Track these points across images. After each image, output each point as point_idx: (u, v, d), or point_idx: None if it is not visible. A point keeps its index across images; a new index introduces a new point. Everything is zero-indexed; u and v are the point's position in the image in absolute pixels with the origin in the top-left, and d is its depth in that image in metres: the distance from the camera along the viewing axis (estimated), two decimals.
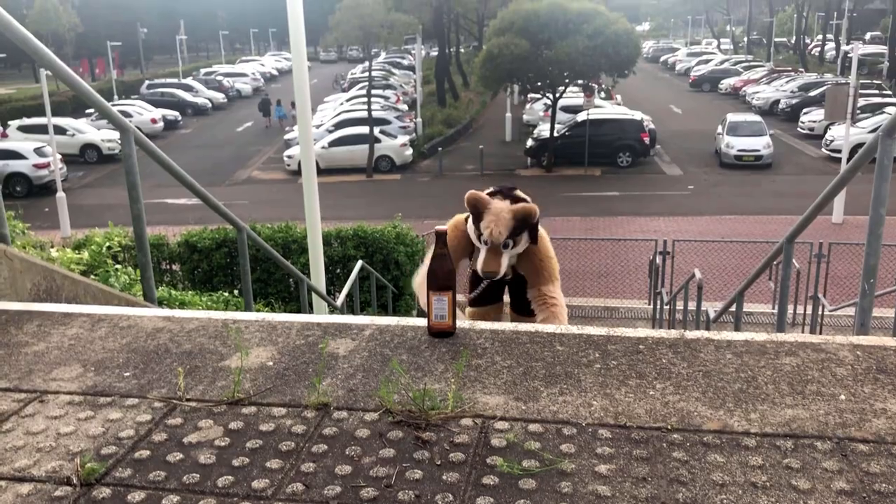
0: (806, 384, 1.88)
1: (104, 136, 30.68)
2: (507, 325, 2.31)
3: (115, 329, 2.38)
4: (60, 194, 21.08)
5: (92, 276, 4.95)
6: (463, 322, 2.30)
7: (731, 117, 27.99)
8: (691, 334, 2.12)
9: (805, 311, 12.26)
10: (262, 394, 1.92)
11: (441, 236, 2.20)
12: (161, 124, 36.54)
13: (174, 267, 12.04)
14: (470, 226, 3.49)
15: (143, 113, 37.07)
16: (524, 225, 3.39)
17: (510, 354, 2.06)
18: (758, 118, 28.37)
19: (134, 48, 60.48)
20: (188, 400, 1.90)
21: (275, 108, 38.57)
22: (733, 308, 6.13)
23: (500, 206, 3.35)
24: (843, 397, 1.82)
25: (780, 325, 4.50)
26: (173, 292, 5.94)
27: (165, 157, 3.70)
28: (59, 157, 23.37)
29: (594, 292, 14.34)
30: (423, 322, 2.26)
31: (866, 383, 1.89)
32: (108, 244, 7.06)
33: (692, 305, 9.00)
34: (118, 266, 5.54)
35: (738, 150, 26.15)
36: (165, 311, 2.56)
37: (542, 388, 1.88)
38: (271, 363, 2.07)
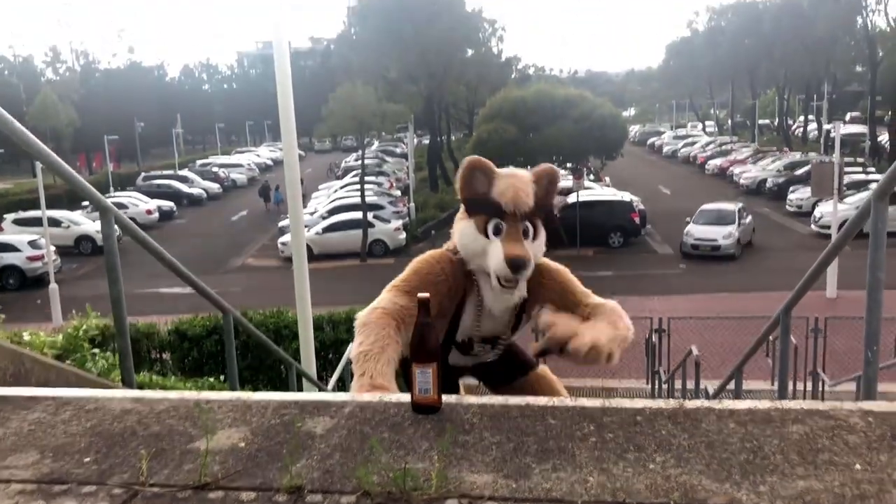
0: (817, 453, 1.75)
1: (99, 228, 30.73)
2: (496, 399, 2.18)
3: (80, 412, 2.24)
4: (53, 286, 21.00)
5: (68, 361, 4.79)
6: (450, 397, 2.17)
7: (705, 206, 26.99)
8: (691, 404, 1.99)
9: (805, 387, 12.05)
10: (231, 477, 1.77)
11: (424, 303, 2.09)
12: (156, 215, 36.75)
13: (164, 356, 11.86)
14: (466, 228, 2.74)
15: (138, 204, 37.34)
16: (547, 199, 2.78)
17: (499, 429, 1.92)
18: (732, 207, 26.90)
19: (131, 142, 61.51)
20: (151, 485, 1.75)
21: (274, 193, 39.12)
22: (732, 385, 5.99)
23: (516, 170, 2.77)
24: (858, 466, 1.68)
25: (781, 397, 4.36)
26: (155, 377, 5.77)
27: (149, 240, 3.62)
28: (53, 248, 23.38)
29: (591, 373, 14.09)
30: (406, 398, 2.13)
31: (882, 451, 1.76)
32: (84, 327, 6.91)
33: (690, 383, 8.82)
34: (96, 350, 5.39)
35: (695, 240, 25.11)
36: (135, 393, 2.43)
37: (533, 464, 1.74)
38: (243, 444, 1.93)
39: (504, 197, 2.63)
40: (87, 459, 1.90)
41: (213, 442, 1.91)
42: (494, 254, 2.62)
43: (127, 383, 3.45)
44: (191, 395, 2.35)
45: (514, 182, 2.66)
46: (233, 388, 4.68)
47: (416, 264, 2.79)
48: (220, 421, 2.08)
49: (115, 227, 3.42)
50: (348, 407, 2.10)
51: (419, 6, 32.98)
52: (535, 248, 2.74)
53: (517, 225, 2.67)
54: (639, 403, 2.01)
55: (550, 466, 1.72)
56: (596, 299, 2.87)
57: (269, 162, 62.85)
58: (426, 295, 2.11)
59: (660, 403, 2.00)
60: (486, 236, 2.66)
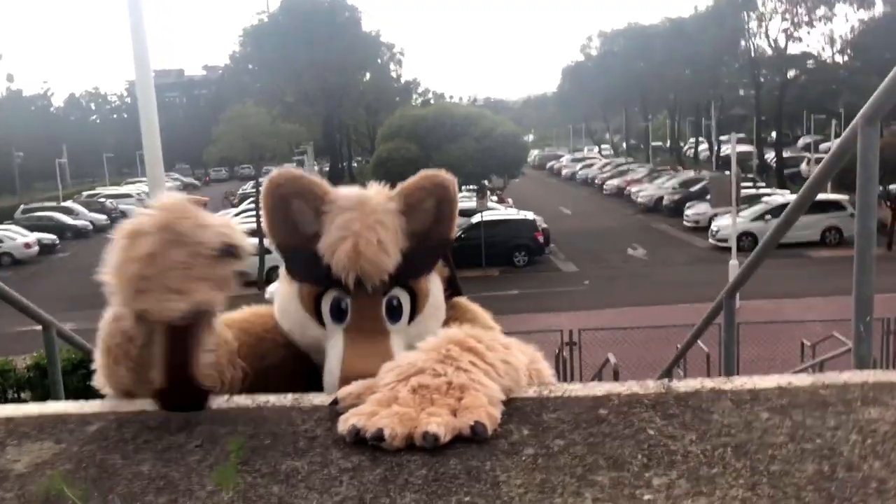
0: None
1: None
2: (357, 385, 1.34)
3: None
4: None
5: None
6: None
7: None
8: (682, 385, 1.24)
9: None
10: None
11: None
12: (36, 248, 34.28)
13: (23, 395, 10.55)
14: (287, 297, 1.56)
15: (15, 238, 34.86)
16: (438, 227, 1.55)
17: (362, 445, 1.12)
18: None
19: (10, 174, 57.74)
20: None
21: None
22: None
23: (364, 194, 1.51)
24: None
25: None
26: None
27: None
28: None
29: None
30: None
31: None
32: None
33: None
34: None
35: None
36: None
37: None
38: None
39: (338, 260, 1.42)
40: None
41: None
42: (330, 362, 1.46)
43: None
44: None
45: (356, 225, 1.43)
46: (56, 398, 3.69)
47: (253, 310, 1.72)
48: None
49: None
50: (98, 423, 1.22)
51: (314, 27, 32.19)
52: (413, 333, 1.48)
53: (373, 303, 1.47)
54: (596, 389, 1.25)
55: None
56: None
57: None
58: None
59: (633, 388, 1.24)
60: (319, 320, 1.49)
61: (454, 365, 1.17)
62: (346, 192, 1.51)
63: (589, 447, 1.05)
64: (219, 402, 1.31)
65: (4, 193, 61.21)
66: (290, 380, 1.53)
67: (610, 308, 20.19)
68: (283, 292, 1.59)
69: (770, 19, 43.59)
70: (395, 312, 1.49)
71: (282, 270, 1.62)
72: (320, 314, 1.48)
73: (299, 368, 1.55)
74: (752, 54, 45.34)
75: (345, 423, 1.13)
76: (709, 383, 1.24)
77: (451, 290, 1.66)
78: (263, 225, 1.54)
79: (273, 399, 1.30)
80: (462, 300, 1.73)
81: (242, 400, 1.31)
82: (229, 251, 1.22)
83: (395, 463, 1.03)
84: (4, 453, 1.15)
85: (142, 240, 1.20)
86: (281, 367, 1.52)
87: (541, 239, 26.61)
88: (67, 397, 10.13)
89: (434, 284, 1.57)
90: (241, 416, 1.23)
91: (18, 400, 10.37)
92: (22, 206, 45.60)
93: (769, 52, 45.18)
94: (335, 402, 1.23)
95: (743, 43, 45.36)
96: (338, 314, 1.48)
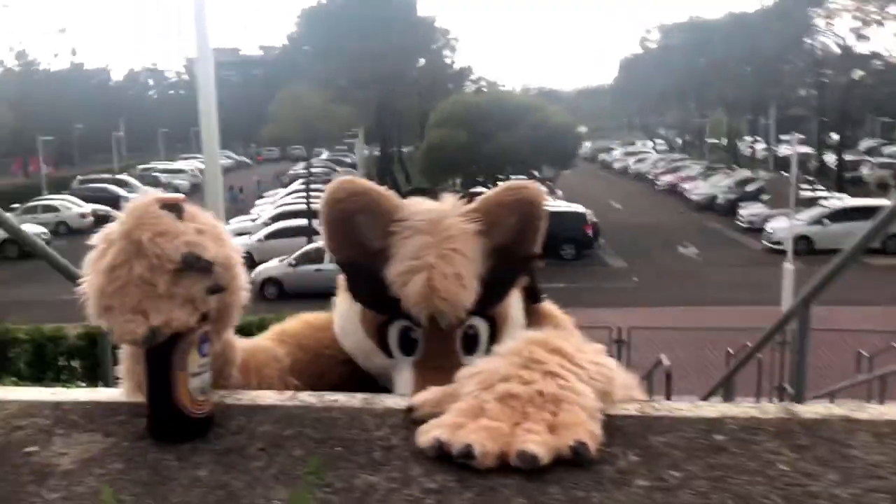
0: None
1: (28, 231, 29.12)
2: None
3: None
4: None
5: None
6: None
7: None
8: (806, 411, 1.07)
9: (771, 403, 11.46)
10: None
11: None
12: (91, 219, 35.11)
13: (72, 363, 10.76)
14: (350, 321, 1.41)
15: (71, 207, 35.97)
16: (522, 244, 1.37)
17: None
18: None
19: (70, 145, 59.22)
20: None
21: (228, 192, 39.43)
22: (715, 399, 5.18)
23: (438, 212, 1.33)
24: None
25: None
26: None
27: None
28: None
29: None
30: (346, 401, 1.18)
31: None
32: None
33: (659, 398, 8.01)
34: None
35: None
36: None
37: None
38: None
39: (410, 296, 1.27)
40: None
41: None
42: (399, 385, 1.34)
43: None
44: None
45: (430, 254, 1.26)
46: (106, 385, 3.69)
47: (308, 320, 1.56)
48: None
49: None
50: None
51: (370, 12, 32.19)
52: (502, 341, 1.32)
53: (447, 337, 1.32)
54: (706, 409, 1.09)
55: None
56: None
57: None
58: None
59: (745, 410, 1.08)
60: (385, 349, 1.35)
61: (541, 369, 1.02)
62: (418, 208, 1.33)
63: (712, 482, 0.89)
64: (283, 398, 1.19)
65: (64, 164, 62.78)
66: None
67: (659, 307, 19.86)
68: (343, 311, 1.42)
69: (838, 17, 42.23)
70: (471, 343, 1.33)
71: (341, 282, 1.43)
72: (386, 343, 1.34)
73: (361, 388, 1.37)
74: (818, 53, 43.97)
75: (426, 435, 0.98)
76: (837, 410, 1.08)
77: (532, 299, 1.49)
78: (322, 237, 1.37)
79: (341, 398, 1.18)
80: (544, 306, 1.56)
81: (308, 398, 1.19)
82: (196, 264, 1.04)
83: (487, 486, 0.89)
84: (51, 444, 1.04)
85: (109, 250, 1.05)
86: (340, 386, 1.35)
87: (590, 232, 26.28)
88: (117, 363, 10.35)
89: (514, 305, 1.41)
90: (306, 416, 1.11)
91: (69, 368, 10.54)
92: (78, 177, 46.75)
93: (836, 50, 43.80)
94: (410, 408, 1.09)
95: (808, 41, 44.03)
96: (407, 346, 1.33)
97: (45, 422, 1.11)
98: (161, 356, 1.03)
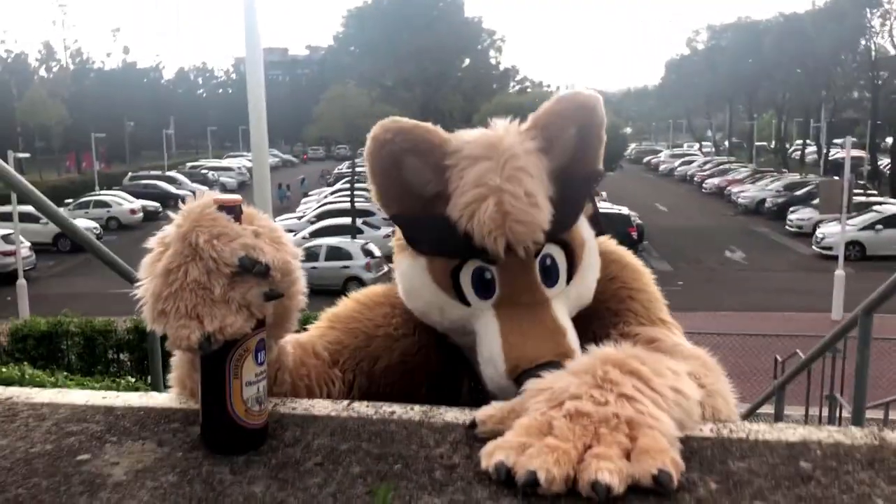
0: None
1: (80, 226, 29.83)
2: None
3: None
4: (21, 282, 20.14)
5: None
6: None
7: None
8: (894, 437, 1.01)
9: (820, 413, 11.15)
10: None
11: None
12: (140, 215, 35.86)
13: (122, 356, 10.96)
14: (413, 274, 1.32)
15: (122, 203, 36.75)
16: (582, 160, 1.28)
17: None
18: None
19: (122, 142, 60.50)
20: None
21: (276, 190, 40.38)
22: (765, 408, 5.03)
23: (494, 135, 1.23)
24: None
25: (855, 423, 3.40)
26: (31, 372, 4.50)
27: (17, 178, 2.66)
28: (27, 244, 22.52)
29: None
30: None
31: None
32: None
33: None
34: None
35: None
36: None
37: None
38: None
39: (481, 224, 1.17)
40: None
41: None
42: (487, 348, 1.21)
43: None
44: None
45: (495, 177, 1.17)
46: (156, 388, 3.75)
47: (359, 299, 1.46)
48: None
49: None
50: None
51: (417, 12, 32.25)
52: (574, 294, 1.29)
53: (525, 269, 1.23)
54: (787, 433, 1.02)
55: None
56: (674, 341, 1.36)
57: None
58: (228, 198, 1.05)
59: (830, 434, 1.01)
60: (461, 298, 1.25)
61: (616, 391, 0.95)
62: (470, 136, 1.23)
63: None
64: (338, 408, 1.15)
65: (115, 160, 64.23)
66: (408, 378, 1.34)
67: (705, 311, 19.52)
68: (405, 270, 1.32)
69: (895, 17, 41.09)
70: (550, 273, 1.24)
71: (398, 243, 1.36)
72: (460, 290, 1.24)
73: (421, 362, 1.35)
74: (873, 54, 42.81)
75: (489, 458, 0.91)
76: None
77: (596, 229, 1.37)
78: (372, 193, 1.29)
79: (399, 410, 1.13)
80: (604, 242, 1.45)
81: (364, 409, 1.14)
82: (252, 268, 0.99)
83: None
84: (103, 452, 1.01)
85: (165, 253, 1.01)
86: (398, 364, 1.33)
87: (634, 235, 25.96)
88: (165, 357, 10.54)
89: (585, 228, 1.31)
90: (363, 429, 1.06)
91: (118, 361, 10.72)
92: (129, 174, 47.78)
93: (891, 52, 42.63)
94: (473, 424, 1.04)
95: (863, 42, 42.90)
96: (484, 288, 1.23)
97: (97, 428, 1.09)
98: (216, 363, 1.00)
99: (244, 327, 0.99)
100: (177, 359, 1.16)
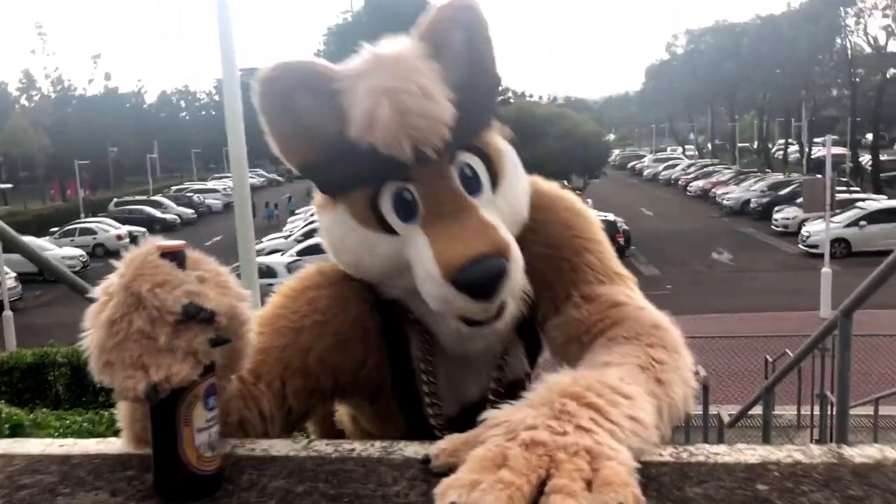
0: None
1: (65, 254, 29.64)
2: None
3: None
4: (7, 313, 19.92)
5: None
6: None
7: None
8: (857, 454, 0.99)
9: (812, 411, 11.19)
10: None
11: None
12: (127, 240, 35.75)
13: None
14: (336, 225, 1.27)
15: (108, 230, 36.76)
16: (479, 66, 1.26)
17: None
18: None
19: (106, 168, 60.29)
20: None
21: (264, 209, 40.85)
22: (754, 410, 5.04)
23: (375, 50, 1.18)
24: None
25: (840, 434, 3.40)
26: (7, 411, 4.36)
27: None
28: (13, 275, 22.39)
29: None
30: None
31: None
32: None
33: (697, 409, 7.87)
34: None
35: None
36: None
37: None
38: None
39: (381, 129, 1.12)
40: None
41: None
42: (420, 266, 1.17)
43: None
44: None
45: (386, 81, 1.12)
46: None
47: (283, 292, 1.38)
48: None
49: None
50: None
51: (398, 27, 32.25)
52: (503, 204, 1.26)
53: (442, 176, 1.20)
54: (746, 454, 1.02)
55: None
56: (625, 297, 1.37)
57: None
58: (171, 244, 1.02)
59: (789, 453, 1.00)
60: (386, 228, 1.22)
61: (573, 423, 0.94)
62: (354, 59, 1.18)
63: None
64: (297, 448, 1.13)
65: (100, 187, 63.96)
66: (350, 356, 1.31)
67: (693, 314, 19.56)
68: (329, 225, 1.28)
69: (870, 16, 41.57)
70: (471, 183, 1.21)
71: (317, 202, 1.31)
72: (384, 221, 1.20)
73: (359, 333, 1.31)
74: (849, 53, 43.26)
75: (443, 499, 0.87)
76: (891, 453, 1.00)
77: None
78: (272, 145, 1.22)
79: (358, 447, 1.12)
80: (550, 184, 1.47)
81: (323, 447, 1.13)
82: (197, 315, 0.97)
83: None
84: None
85: (109, 303, 0.99)
86: (336, 345, 1.28)
87: (621, 241, 26.10)
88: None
89: (501, 142, 1.31)
90: (320, 468, 1.05)
91: (107, 391, 10.62)
92: (114, 200, 47.68)
93: (867, 50, 43.08)
94: (427, 459, 1.02)
95: (839, 41, 43.35)
96: (406, 210, 1.19)
97: (50, 479, 1.07)
98: (165, 412, 0.98)
99: (191, 375, 0.97)
100: (122, 407, 1.14)
